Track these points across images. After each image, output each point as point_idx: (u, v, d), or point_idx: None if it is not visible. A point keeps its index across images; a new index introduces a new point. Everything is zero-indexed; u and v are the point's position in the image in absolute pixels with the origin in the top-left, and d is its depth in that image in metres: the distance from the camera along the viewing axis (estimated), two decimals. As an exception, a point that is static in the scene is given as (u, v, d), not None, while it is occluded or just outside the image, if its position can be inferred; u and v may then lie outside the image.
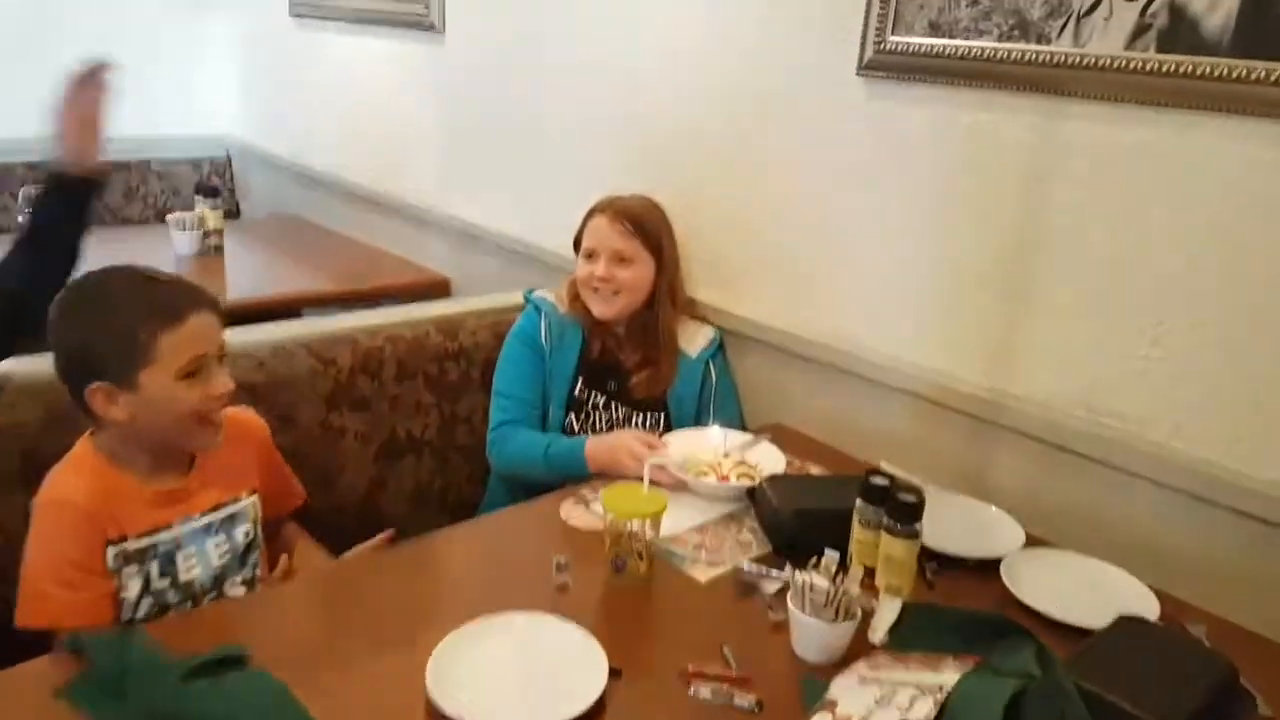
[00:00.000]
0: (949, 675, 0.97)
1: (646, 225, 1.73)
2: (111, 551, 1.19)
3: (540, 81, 2.16)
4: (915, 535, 1.14)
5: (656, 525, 1.20)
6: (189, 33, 3.47)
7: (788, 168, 1.68)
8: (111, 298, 1.18)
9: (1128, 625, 1.07)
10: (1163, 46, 1.21)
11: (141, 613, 1.22)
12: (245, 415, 1.37)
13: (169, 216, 2.64)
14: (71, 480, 1.19)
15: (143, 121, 3.41)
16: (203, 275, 2.39)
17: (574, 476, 1.53)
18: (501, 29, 2.25)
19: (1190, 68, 1.19)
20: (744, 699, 0.99)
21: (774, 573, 1.22)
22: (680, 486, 1.44)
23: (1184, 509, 1.28)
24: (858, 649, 1.06)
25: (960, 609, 1.11)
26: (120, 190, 3.30)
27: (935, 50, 1.43)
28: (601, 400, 1.75)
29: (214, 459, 1.28)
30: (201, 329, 1.19)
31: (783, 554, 1.27)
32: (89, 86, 1.34)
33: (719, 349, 1.82)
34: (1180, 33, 1.20)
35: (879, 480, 1.19)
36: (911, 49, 1.46)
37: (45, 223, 1.40)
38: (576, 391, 1.73)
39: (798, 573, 1.08)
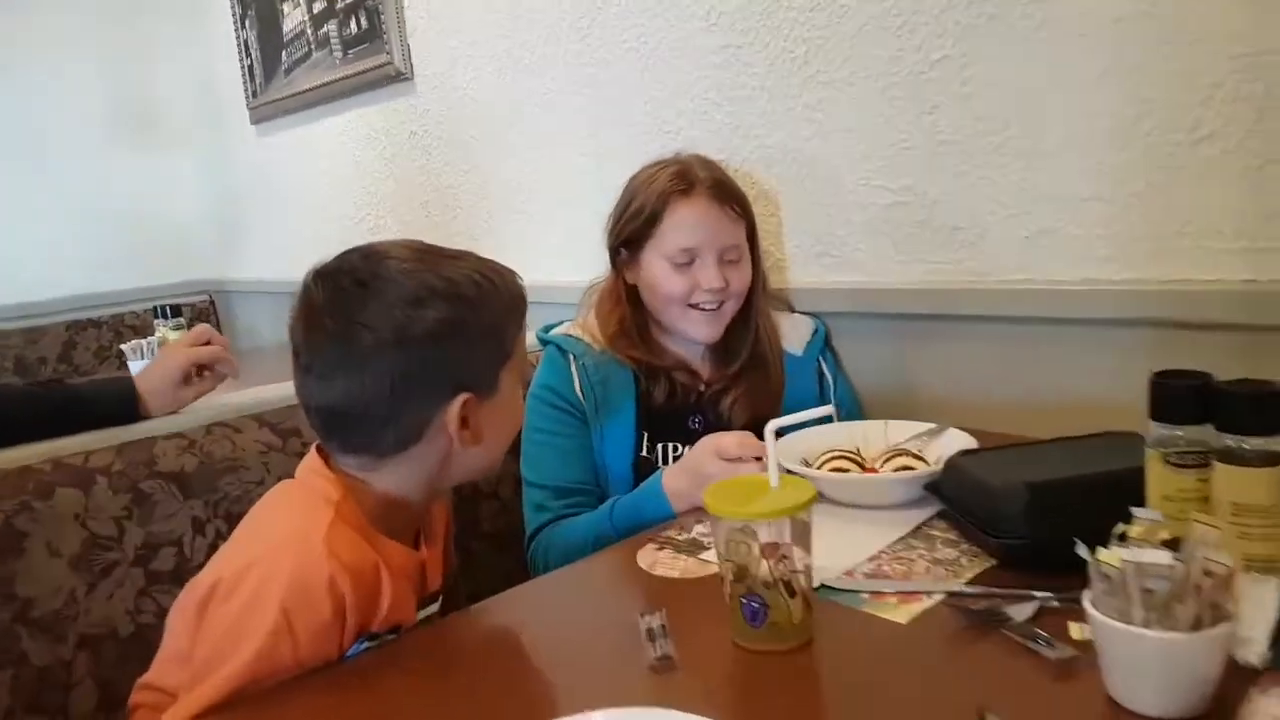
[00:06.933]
0: None
1: (745, 201, 1.33)
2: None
3: (522, 102, 1.90)
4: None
5: (806, 537, 0.75)
6: (157, 179, 3.40)
7: (850, 74, 1.32)
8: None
9: None
10: None
11: None
12: None
13: (123, 346, 2.34)
14: (330, 547, 0.81)
15: (114, 277, 3.29)
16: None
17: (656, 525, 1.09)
18: (473, 65, 2.02)
19: None
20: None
21: (1020, 592, 0.76)
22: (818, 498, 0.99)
23: None
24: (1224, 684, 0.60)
25: None
26: (92, 351, 3.12)
27: None
28: (684, 451, 1.27)
29: (434, 526, 1.01)
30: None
31: (1017, 563, 0.82)
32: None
33: (825, 341, 1.43)
34: None
35: (1185, 381, 0.73)
36: None
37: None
38: (644, 453, 1.30)
39: (1102, 548, 0.62)
